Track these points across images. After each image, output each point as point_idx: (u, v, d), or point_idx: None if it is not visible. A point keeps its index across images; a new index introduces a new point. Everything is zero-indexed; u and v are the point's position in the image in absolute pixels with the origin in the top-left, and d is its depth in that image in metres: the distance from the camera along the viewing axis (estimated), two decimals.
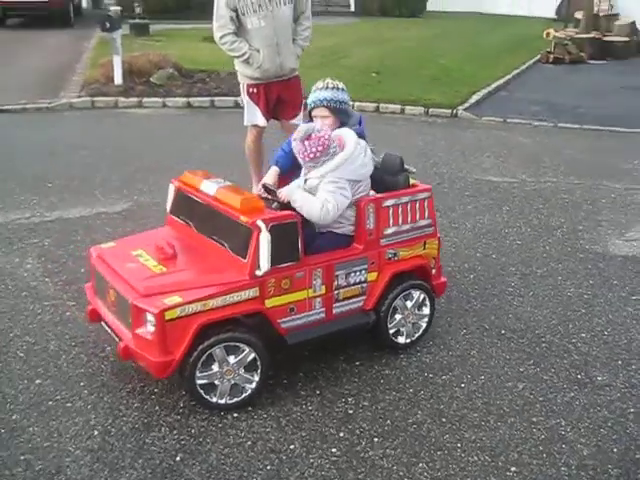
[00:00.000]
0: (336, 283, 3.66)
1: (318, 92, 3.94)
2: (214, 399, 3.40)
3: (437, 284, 4.16)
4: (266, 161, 5.23)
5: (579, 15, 18.10)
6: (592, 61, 15.68)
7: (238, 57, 5.74)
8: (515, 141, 9.26)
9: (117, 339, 3.47)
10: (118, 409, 3.47)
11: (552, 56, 15.29)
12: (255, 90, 5.85)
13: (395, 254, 3.87)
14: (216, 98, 10.95)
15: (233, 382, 3.41)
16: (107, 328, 3.61)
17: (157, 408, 3.48)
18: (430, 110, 10.75)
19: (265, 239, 3.29)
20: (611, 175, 7.69)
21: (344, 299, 3.72)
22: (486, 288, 4.92)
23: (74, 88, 11.39)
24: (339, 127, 3.89)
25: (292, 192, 3.65)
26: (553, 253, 5.56)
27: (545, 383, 3.83)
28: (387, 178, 3.96)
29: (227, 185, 3.71)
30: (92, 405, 3.50)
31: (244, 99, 5.99)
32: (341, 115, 3.94)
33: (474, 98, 11.55)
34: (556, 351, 4.15)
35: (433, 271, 4.10)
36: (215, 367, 3.34)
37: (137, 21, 16.82)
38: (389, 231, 3.82)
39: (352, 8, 24.26)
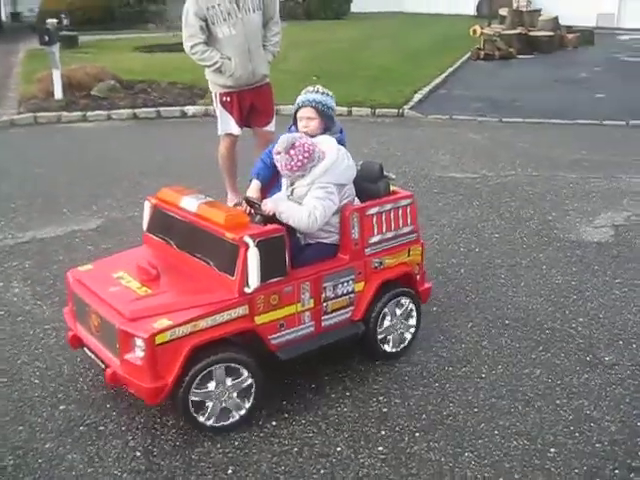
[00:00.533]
0: (324, 295, 3.59)
1: (308, 94, 3.95)
2: (201, 419, 3.29)
3: (422, 290, 4.14)
4: (243, 171, 5.24)
5: (503, 12, 18.78)
6: (521, 56, 16.28)
7: (209, 66, 5.73)
8: (466, 137, 9.52)
9: (102, 365, 3.35)
10: (154, 428, 3.42)
11: (483, 52, 15.81)
12: (228, 99, 5.84)
13: (381, 263, 3.82)
14: (162, 108, 10.86)
15: (224, 405, 3.32)
16: (90, 353, 3.50)
17: None
18: (377, 110, 10.93)
19: (253, 255, 3.22)
20: (565, 166, 8.02)
21: (333, 311, 3.66)
22: (479, 281, 5.06)
23: (11, 104, 11.10)
24: (322, 133, 3.90)
25: (278, 203, 3.59)
26: (532, 244, 5.74)
27: (559, 367, 3.98)
28: (367, 186, 3.89)
29: (208, 201, 3.61)
30: (126, 426, 3.44)
31: (217, 108, 5.97)
32: (327, 119, 3.93)
33: (417, 97, 11.82)
34: (560, 336, 4.32)
35: (418, 277, 4.08)
36: (211, 386, 3.25)
37: (65, 33, 16.37)
38: (374, 240, 3.77)
39: None
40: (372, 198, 3.83)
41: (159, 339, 3.06)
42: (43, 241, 5.76)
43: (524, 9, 19.80)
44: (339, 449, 3.29)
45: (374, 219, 3.75)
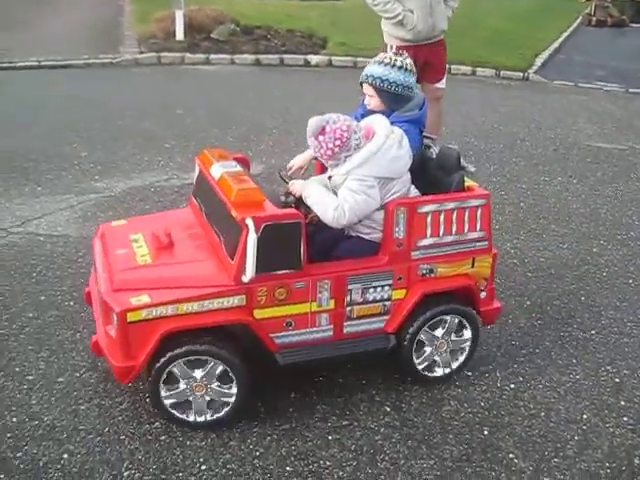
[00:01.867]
0: (349, 298, 3.06)
1: (370, 66, 3.34)
2: (191, 417, 2.97)
3: (487, 310, 3.38)
4: None
5: None
6: (634, 24, 15.61)
7: (392, 18, 5.63)
8: (600, 106, 8.98)
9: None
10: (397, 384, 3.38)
11: (594, 19, 15.18)
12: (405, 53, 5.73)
13: (431, 270, 3.18)
14: (285, 56, 10.72)
15: (208, 398, 2.95)
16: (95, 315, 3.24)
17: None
18: (501, 72, 10.64)
19: (252, 240, 2.76)
20: None
21: (359, 317, 3.12)
22: None
23: (131, 43, 11.12)
24: (389, 110, 3.31)
25: (306, 186, 3.09)
26: None
27: None
28: (439, 177, 3.28)
29: (234, 171, 3.14)
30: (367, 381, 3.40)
31: None
32: (388, 99, 3.29)
33: (538, 61, 11.40)
34: None
35: (482, 294, 3.34)
36: (182, 385, 2.90)
37: None
38: (425, 242, 3.13)
39: None
40: (443, 192, 3.20)
41: (132, 317, 2.74)
42: None
43: None
44: (585, 417, 3.21)
45: (428, 218, 3.11)
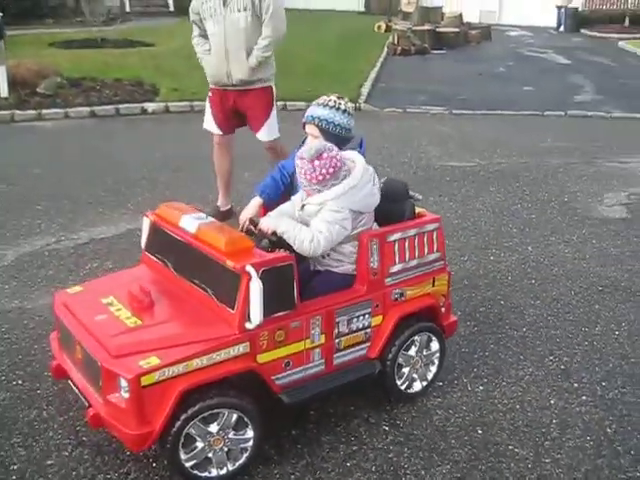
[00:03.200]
0: (337, 331, 3.17)
1: (314, 108, 3.47)
2: (214, 472, 2.91)
3: (447, 324, 3.68)
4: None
5: (408, 8, 19.63)
6: (434, 51, 17.18)
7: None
8: (434, 129, 9.74)
9: (86, 403, 2.94)
10: None
11: (399, 48, 16.52)
12: (211, 94, 5.68)
13: (401, 294, 3.37)
14: (120, 105, 10.56)
15: (226, 449, 2.92)
16: (74, 388, 3.07)
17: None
18: None
19: (256, 287, 2.79)
20: (542, 153, 8.44)
21: (346, 347, 3.24)
22: (552, 254, 5.50)
23: None
24: None
25: (278, 223, 3.18)
26: (569, 222, 6.16)
27: None
28: (390, 207, 3.41)
29: (209, 222, 3.17)
30: None
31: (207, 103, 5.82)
32: (332, 140, 3.36)
33: (364, 91, 12.22)
34: None
35: (442, 309, 3.62)
36: (199, 444, 2.85)
37: None
38: (395, 269, 3.33)
39: (171, 8, 23.83)
40: (395, 221, 3.39)
41: (145, 380, 2.67)
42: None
43: (411, 8, 20.73)
44: (552, 402, 3.58)
45: (396, 246, 3.32)
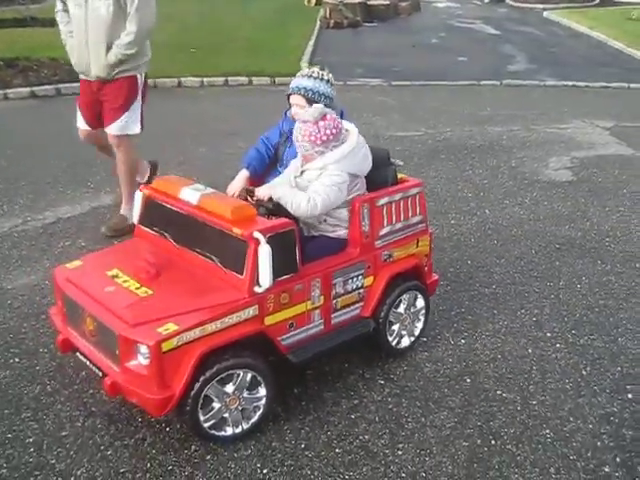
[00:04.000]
0: (334, 292, 3.35)
1: (299, 79, 3.63)
2: (229, 431, 3.07)
3: (430, 283, 3.90)
4: None
5: None
6: (366, 24, 17.33)
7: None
8: (376, 100, 9.97)
9: (99, 373, 3.03)
10: None
11: (332, 21, 16.60)
12: (79, 83, 5.18)
13: (390, 255, 3.58)
14: (61, 85, 10.35)
15: (241, 408, 3.07)
16: (84, 360, 3.14)
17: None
18: (276, 79, 11.31)
19: (265, 252, 2.93)
20: (484, 121, 8.79)
21: (342, 307, 3.43)
22: (509, 215, 5.86)
23: None
24: None
25: (274, 189, 3.34)
26: (520, 186, 6.48)
27: None
28: (375, 174, 3.57)
29: (210, 192, 3.27)
30: None
31: None
32: None
33: (303, 65, 12.33)
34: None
35: (425, 269, 3.84)
36: (216, 404, 2.99)
37: None
38: (383, 231, 3.53)
39: None
40: (379, 187, 3.56)
41: (166, 346, 2.78)
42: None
43: None
44: (530, 351, 3.86)
45: (384, 210, 3.52)
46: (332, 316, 3.41)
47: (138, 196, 3.56)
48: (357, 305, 3.52)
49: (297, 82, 3.63)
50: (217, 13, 17.51)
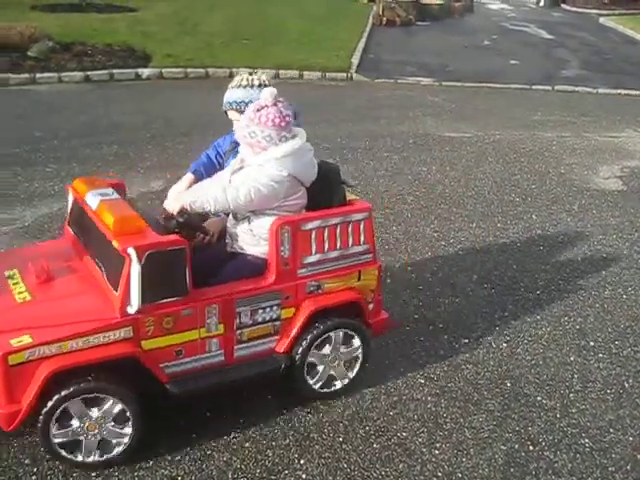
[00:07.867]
0: (238, 321, 3.02)
1: (229, 92, 3.33)
2: (79, 457, 2.82)
3: (376, 322, 3.42)
4: None
5: None
6: (419, 23, 17.29)
7: None
8: (427, 100, 10.00)
9: None
10: None
11: (385, 19, 16.59)
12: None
13: (318, 287, 3.17)
14: (114, 70, 10.56)
15: (100, 437, 2.83)
16: None
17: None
18: (327, 74, 11.36)
19: (135, 271, 2.67)
20: (534, 126, 8.70)
21: (250, 339, 3.09)
22: (561, 219, 5.83)
23: None
24: None
25: (181, 197, 3.07)
26: (568, 193, 6.40)
27: None
28: (319, 192, 3.18)
29: (112, 199, 3.00)
30: None
31: None
32: None
33: (354, 61, 12.34)
34: None
35: (370, 306, 3.37)
36: (75, 423, 2.76)
37: None
38: (311, 259, 3.12)
39: None
40: (322, 207, 3.18)
41: (13, 359, 2.60)
42: None
43: None
44: (572, 359, 3.84)
45: (313, 235, 3.10)
46: (235, 347, 3.09)
47: (69, 194, 3.36)
48: (271, 339, 3.16)
49: (227, 96, 3.34)
50: (264, 4, 17.64)
